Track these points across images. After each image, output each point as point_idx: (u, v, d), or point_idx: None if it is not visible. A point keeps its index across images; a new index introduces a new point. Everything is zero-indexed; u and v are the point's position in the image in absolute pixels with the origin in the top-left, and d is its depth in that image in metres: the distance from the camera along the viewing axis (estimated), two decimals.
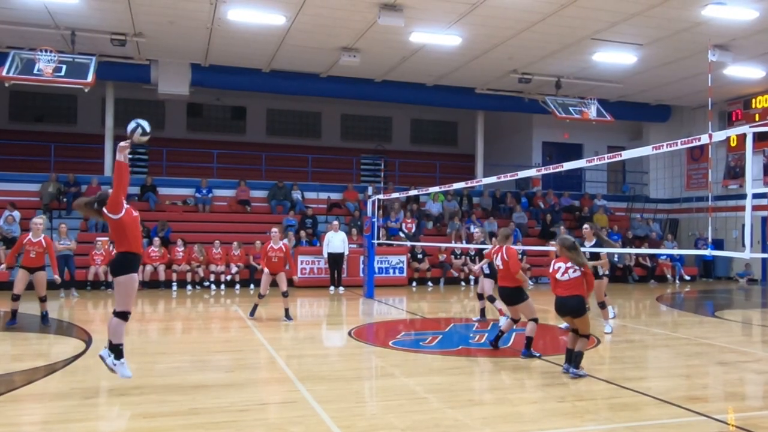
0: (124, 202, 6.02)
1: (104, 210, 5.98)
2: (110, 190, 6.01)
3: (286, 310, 10.81)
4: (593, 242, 9.73)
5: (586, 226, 9.92)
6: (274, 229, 11.28)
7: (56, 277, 10.75)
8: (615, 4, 13.32)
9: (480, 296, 10.81)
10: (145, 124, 6.66)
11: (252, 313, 11.06)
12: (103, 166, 19.61)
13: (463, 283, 18.28)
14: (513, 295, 7.95)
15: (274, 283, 10.95)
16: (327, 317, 12.49)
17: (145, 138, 6.63)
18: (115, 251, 6.18)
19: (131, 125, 6.68)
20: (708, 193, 22.16)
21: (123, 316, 5.98)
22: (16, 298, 9.85)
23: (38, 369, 6.91)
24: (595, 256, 9.57)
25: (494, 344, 8.22)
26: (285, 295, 10.81)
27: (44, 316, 10.10)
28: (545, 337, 9.74)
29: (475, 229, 12.09)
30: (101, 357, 6.09)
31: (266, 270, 10.93)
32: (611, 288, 17.75)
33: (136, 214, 6.15)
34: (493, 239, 9.15)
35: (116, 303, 6.03)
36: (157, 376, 6.65)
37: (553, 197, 22.70)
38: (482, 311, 11.06)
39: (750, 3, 13.15)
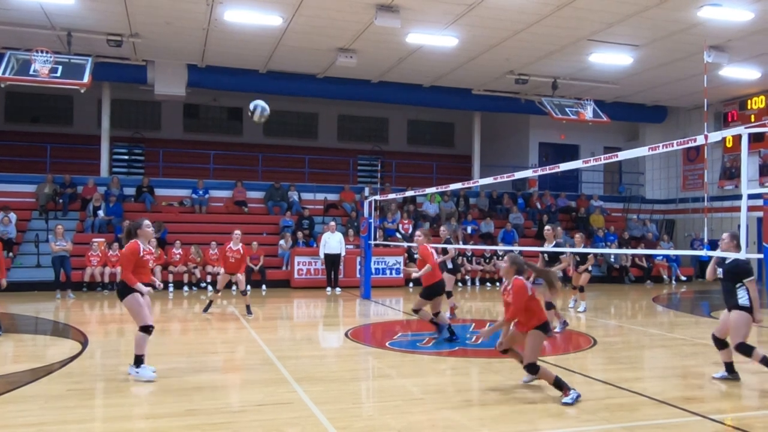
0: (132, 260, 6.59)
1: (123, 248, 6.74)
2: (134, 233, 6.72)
3: (248, 307, 11.47)
4: (553, 244, 9.66)
5: (547, 227, 9.89)
6: (237, 232, 11.90)
7: (2, 281, 9.47)
8: (611, 5, 13.35)
9: (449, 293, 11.43)
10: (265, 105, 7.91)
11: (206, 310, 11.66)
12: (99, 167, 19.59)
13: (460, 284, 18.28)
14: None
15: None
16: (323, 318, 12.49)
17: (264, 119, 7.45)
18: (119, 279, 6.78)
19: (252, 106, 7.97)
20: (704, 193, 22.24)
21: (144, 329, 6.52)
22: None
23: (35, 370, 6.89)
24: (554, 259, 9.54)
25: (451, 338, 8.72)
26: (244, 293, 11.57)
27: None
28: None
29: (441, 228, 12.37)
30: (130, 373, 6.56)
31: (222, 270, 11.73)
32: (608, 288, 17.83)
33: (146, 256, 6.67)
34: (418, 236, 9.35)
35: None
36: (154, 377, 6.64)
37: (549, 198, 22.73)
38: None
39: (745, 4, 13.19)
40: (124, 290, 6.56)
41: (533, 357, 5.85)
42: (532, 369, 5.82)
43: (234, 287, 16.13)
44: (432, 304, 8.96)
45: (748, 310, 6.38)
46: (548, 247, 9.56)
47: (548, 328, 6.00)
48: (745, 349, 6.42)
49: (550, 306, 9.47)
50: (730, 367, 6.72)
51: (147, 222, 6.87)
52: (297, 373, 6.82)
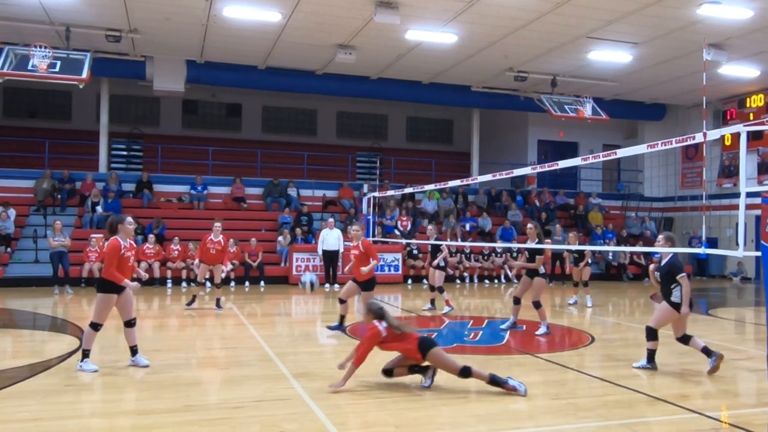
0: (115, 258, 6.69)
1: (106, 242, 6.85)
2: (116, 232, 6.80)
3: (218, 300, 11.77)
4: (536, 242, 9.67)
5: (530, 225, 9.92)
6: (217, 224, 12.13)
7: None
8: (611, 2, 13.34)
9: (432, 287, 12.14)
10: (315, 279, 9.74)
11: (189, 304, 11.73)
12: (98, 163, 19.56)
13: (458, 281, 18.30)
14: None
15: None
16: (322, 314, 12.48)
17: (315, 289, 9.62)
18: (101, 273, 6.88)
19: (303, 280, 9.72)
20: (702, 191, 22.25)
21: (93, 326, 6.70)
22: None
23: (32, 366, 6.89)
24: (533, 257, 9.55)
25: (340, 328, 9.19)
26: (218, 286, 11.96)
27: None
28: (539, 335, 9.77)
29: (429, 227, 12.59)
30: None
31: (202, 261, 11.86)
32: (606, 286, 17.84)
33: (126, 253, 6.74)
34: (356, 231, 9.52)
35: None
36: (152, 373, 6.65)
37: (548, 195, 22.73)
38: (432, 301, 12.28)
39: (745, 2, 13.19)
40: (101, 286, 6.72)
41: (453, 364, 5.93)
42: (465, 373, 5.83)
43: (233, 283, 16.24)
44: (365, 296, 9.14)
45: (677, 306, 6.93)
46: (530, 245, 9.59)
47: (431, 342, 6.07)
48: (651, 334, 7.10)
49: (538, 304, 9.47)
50: (706, 350, 6.97)
51: (129, 219, 6.96)
52: (295, 369, 6.82)
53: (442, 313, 11.64)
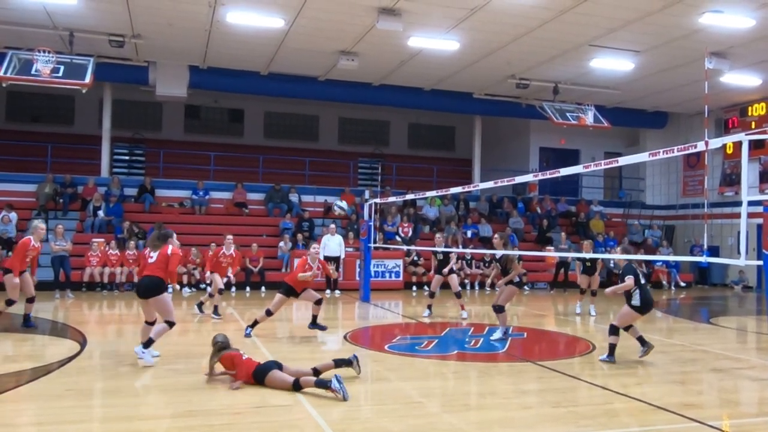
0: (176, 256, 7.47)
1: (165, 247, 7.42)
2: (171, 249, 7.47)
3: (200, 304, 11.93)
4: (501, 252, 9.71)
5: (496, 236, 10.06)
6: (229, 236, 12.20)
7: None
8: (613, 11, 13.37)
9: (432, 294, 12.46)
10: (345, 205, 9.75)
11: (199, 309, 11.83)
12: (100, 167, 19.60)
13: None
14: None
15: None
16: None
17: (342, 212, 9.53)
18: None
19: (335, 207, 9.46)
20: (704, 200, 22.25)
21: (171, 324, 7.42)
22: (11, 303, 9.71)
23: (33, 370, 6.89)
24: (505, 269, 9.60)
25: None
26: (211, 295, 11.93)
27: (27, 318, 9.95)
28: (540, 343, 9.77)
29: (437, 235, 12.73)
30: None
31: (216, 275, 11.66)
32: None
33: (180, 252, 7.57)
34: (312, 251, 10.12)
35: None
36: (153, 378, 6.64)
37: (549, 203, 22.74)
38: (429, 306, 12.38)
39: (747, 11, 13.22)
40: (161, 287, 7.28)
41: (286, 383, 6.09)
42: (296, 387, 6.03)
43: (234, 288, 16.21)
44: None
45: (637, 309, 7.68)
46: (498, 254, 9.70)
47: (264, 372, 6.26)
48: (613, 331, 7.88)
49: (501, 309, 9.51)
50: (641, 340, 7.88)
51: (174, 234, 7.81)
52: None
53: (462, 317, 11.69)
